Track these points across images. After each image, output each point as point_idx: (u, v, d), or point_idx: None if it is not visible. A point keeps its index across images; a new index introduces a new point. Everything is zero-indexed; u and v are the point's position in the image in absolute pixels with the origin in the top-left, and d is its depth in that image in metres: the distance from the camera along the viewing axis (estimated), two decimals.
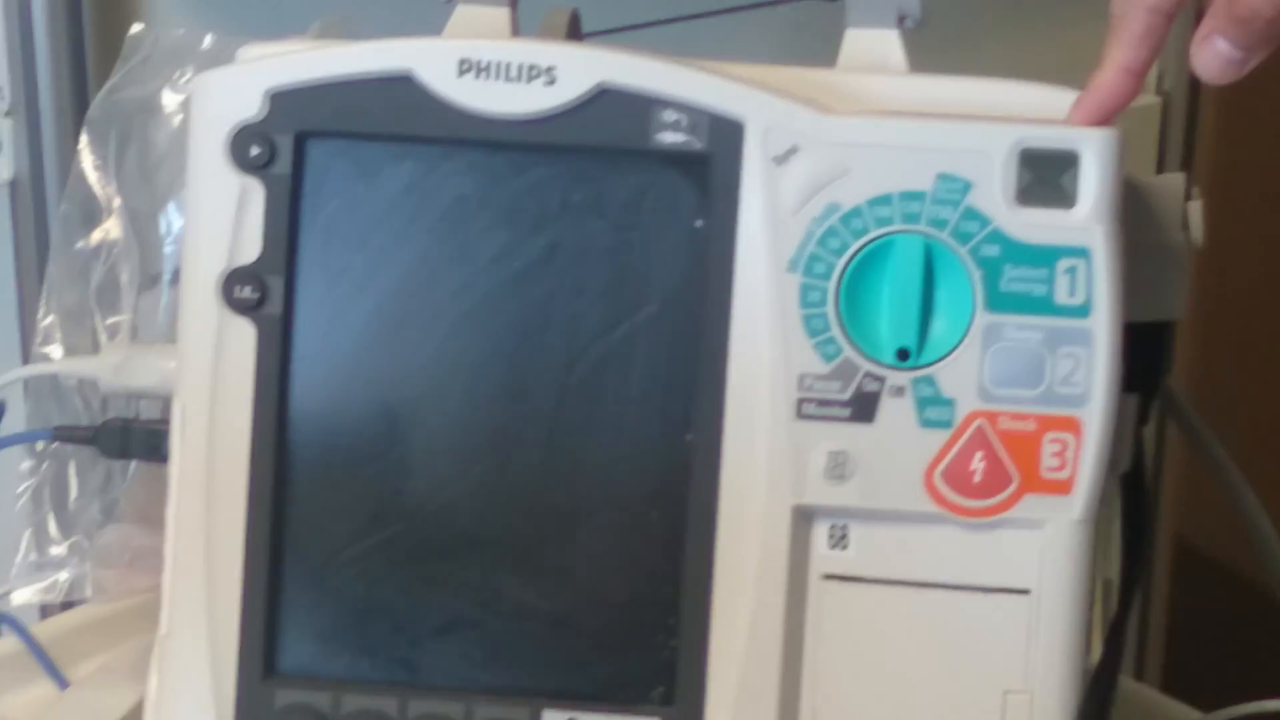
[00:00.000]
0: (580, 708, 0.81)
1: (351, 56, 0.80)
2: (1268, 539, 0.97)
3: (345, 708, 0.81)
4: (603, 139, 0.79)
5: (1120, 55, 0.74)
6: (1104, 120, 0.77)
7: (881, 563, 0.80)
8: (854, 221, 0.78)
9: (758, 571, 0.79)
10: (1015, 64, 0.81)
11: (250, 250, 0.81)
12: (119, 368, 0.86)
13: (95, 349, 0.93)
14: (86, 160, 0.95)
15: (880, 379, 0.78)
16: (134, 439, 0.87)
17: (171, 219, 0.95)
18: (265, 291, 0.81)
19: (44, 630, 0.95)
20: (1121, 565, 0.90)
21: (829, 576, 0.80)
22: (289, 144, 0.80)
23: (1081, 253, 0.77)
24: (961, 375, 0.78)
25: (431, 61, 0.79)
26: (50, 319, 0.95)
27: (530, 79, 0.79)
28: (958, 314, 0.78)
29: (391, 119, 0.80)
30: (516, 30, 0.85)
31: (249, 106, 0.80)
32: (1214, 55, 0.72)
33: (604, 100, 0.79)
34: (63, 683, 0.95)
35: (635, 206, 0.80)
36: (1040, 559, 0.79)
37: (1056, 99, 0.79)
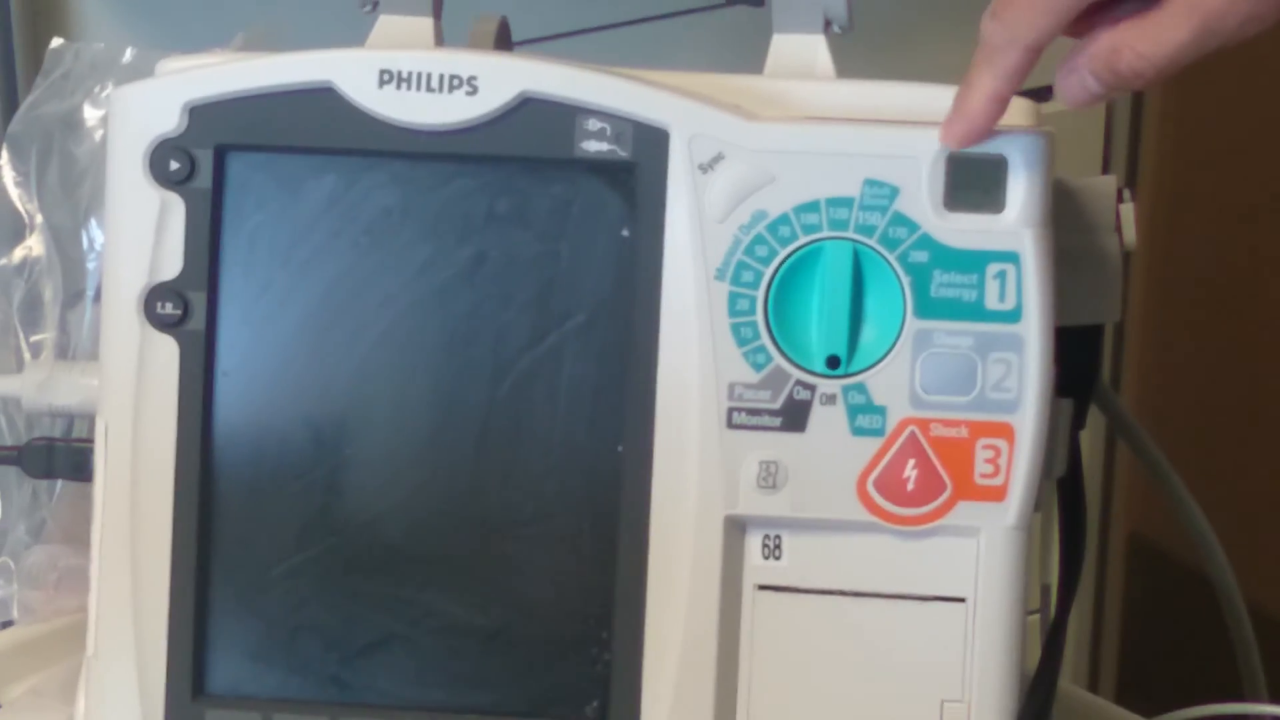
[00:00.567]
0: None
1: (271, 68, 0.79)
2: (1210, 542, 0.97)
3: None
4: (526, 149, 0.78)
5: (993, 86, 0.75)
6: (972, 144, 0.77)
7: (815, 572, 0.79)
8: (781, 229, 0.77)
9: (690, 583, 0.79)
10: (946, 67, 0.81)
11: (172, 266, 0.80)
12: (42, 386, 0.85)
13: (19, 367, 0.92)
14: (7, 176, 0.94)
15: (811, 387, 0.78)
16: (59, 458, 0.86)
17: (94, 234, 0.94)
18: (187, 308, 0.80)
19: None
20: (1060, 570, 0.89)
21: (763, 587, 0.79)
22: (209, 158, 0.79)
23: (1011, 257, 0.77)
24: (893, 382, 0.78)
25: (352, 72, 0.79)
26: None
27: (451, 89, 0.78)
28: (888, 321, 0.78)
29: (312, 131, 0.79)
30: (440, 40, 0.84)
31: (168, 120, 0.79)
32: (1081, 89, 0.73)
33: (527, 109, 0.78)
34: None
35: (561, 216, 0.79)
36: (975, 566, 0.78)
37: None
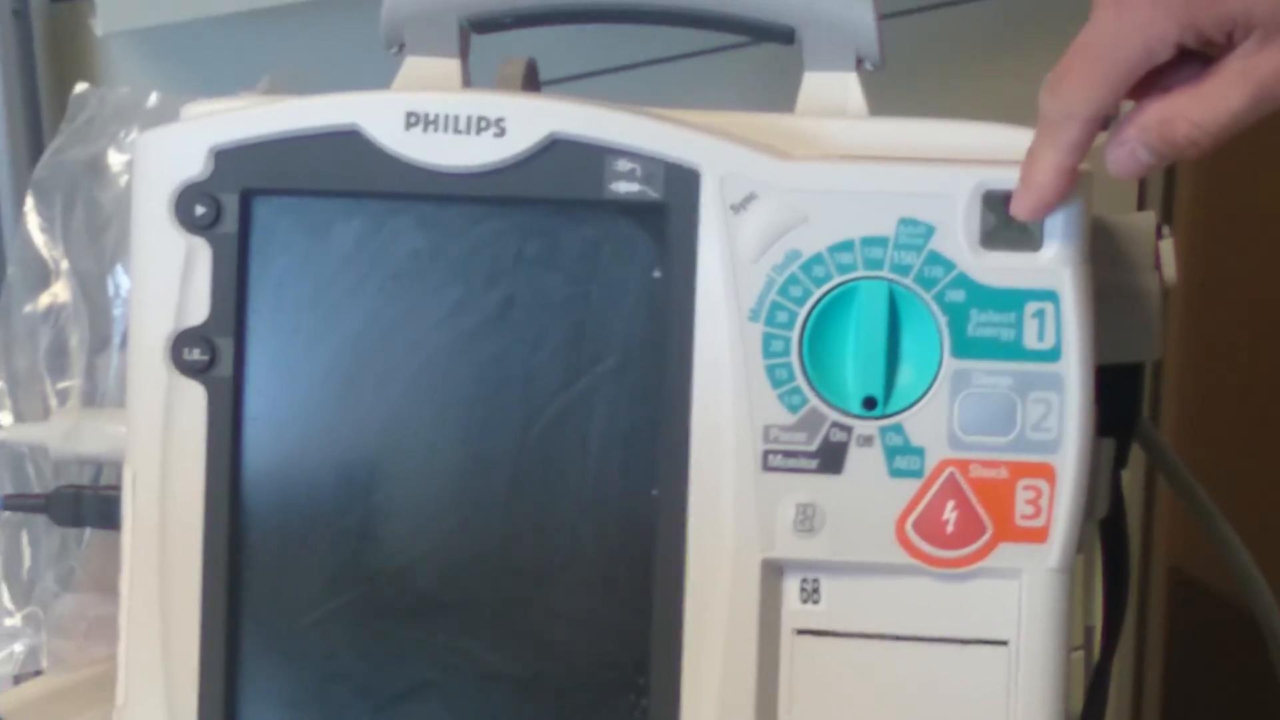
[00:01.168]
0: None
1: (296, 112, 0.79)
2: (1255, 581, 0.95)
3: None
4: (556, 190, 0.78)
5: (1057, 159, 0.74)
6: (1043, 217, 0.76)
7: (855, 616, 0.78)
8: (815, 269, 0.77)
9: (728, 628, 0.78)
10: (979, 104, 0.80)
11: (198, 312, 0.79)
12: (69, 434, 0.85)
13: (46, 415, 0.91)
14: (33, 223, 0.94)
15: (847, 429, 0.77)
16: (86, 506, 0.85)
17: (120, 280, 0.93)
18: (215, 353, 0.79)
19: (2, 703, 0.94)
20: (1103, 612, 0.88)
21: (801, 631, 0.78)
22: (235, 202, 0.79)
23: (1049, 296, 0.76)
24: (930, 423, 0.77)
25: (378, 115, 0.78)
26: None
27: (479, 131, 0.77)
28: (925, 361, 0.77)
29: (339, 174, 0.78)
30: (468, 81, 0.84)
31: (193, 165, 0.79)
32: (1133, 162, 0.72)
33: (556, 151, 0.77)
34: None
35: (591, 258, 0.78)
36: (1017, 609, 0.77)
37: (1020, 140, 0.77)
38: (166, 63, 1.20)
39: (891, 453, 0.77)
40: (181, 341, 0.79)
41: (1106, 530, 0.87)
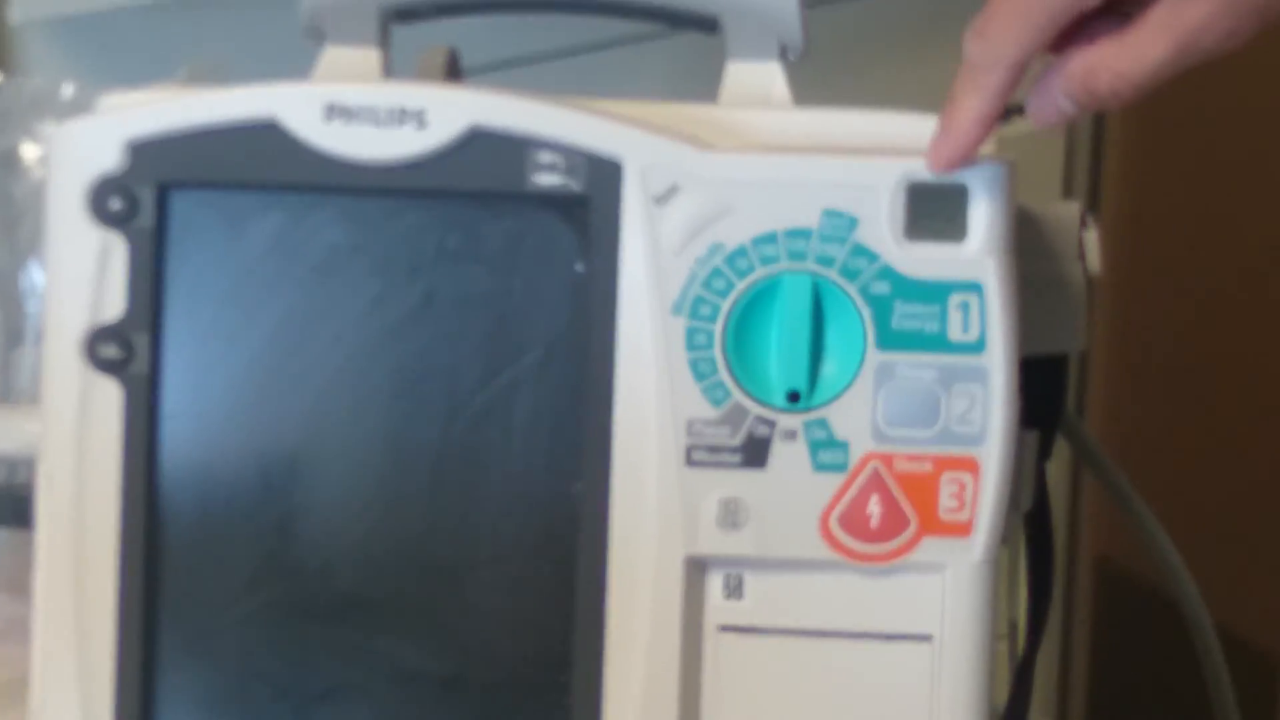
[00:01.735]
0: None
1: (213, 103, 0.78)
2: (1179, 571, 0.96)
3: None
4: (477, 183, 0.77)
5: (978, 106, 0.73)
6: (959, 166, 0.75)
7: (778, 612, 0.78)
8: (739, 261, 0.76)
9: (651, 624, 0.77)
10: (903, 94, 0.80)
11: (114, 307, 0.78)
12: None
13: None
14: None
15: (771, 423, 0.76)
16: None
17: (34, 276, 0.92)
18: (131, 350, 0.78)
19: None
20: (1028, 605, 0.88)
21: (725, 628, 0.78)
22: (151, 196, 0.78)
23: (974, 287, 0.76)
24: (854, 416, 0.76)
25: (296, 107, 0.77)
26: None
27: (400, 123, 0.77)
28: (848, 354, 0.76)
29: (257, 167, 0.77)
30: (388, 71, 0.83)
31: (108, 158, 0.78)
32: (1055, 110, 0.72)
33: (477, 143, 0.76)
34: None
35: (513, 251, 0.77)
36: (941, 603, 0.77)
37: None
38: (83, 52, 1.19)
39: (815, 447, 0.76)
40: (97, 338, 0.78)
41: (1031, 523, 0.86)
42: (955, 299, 0.76)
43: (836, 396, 0.76)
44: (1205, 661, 0.97)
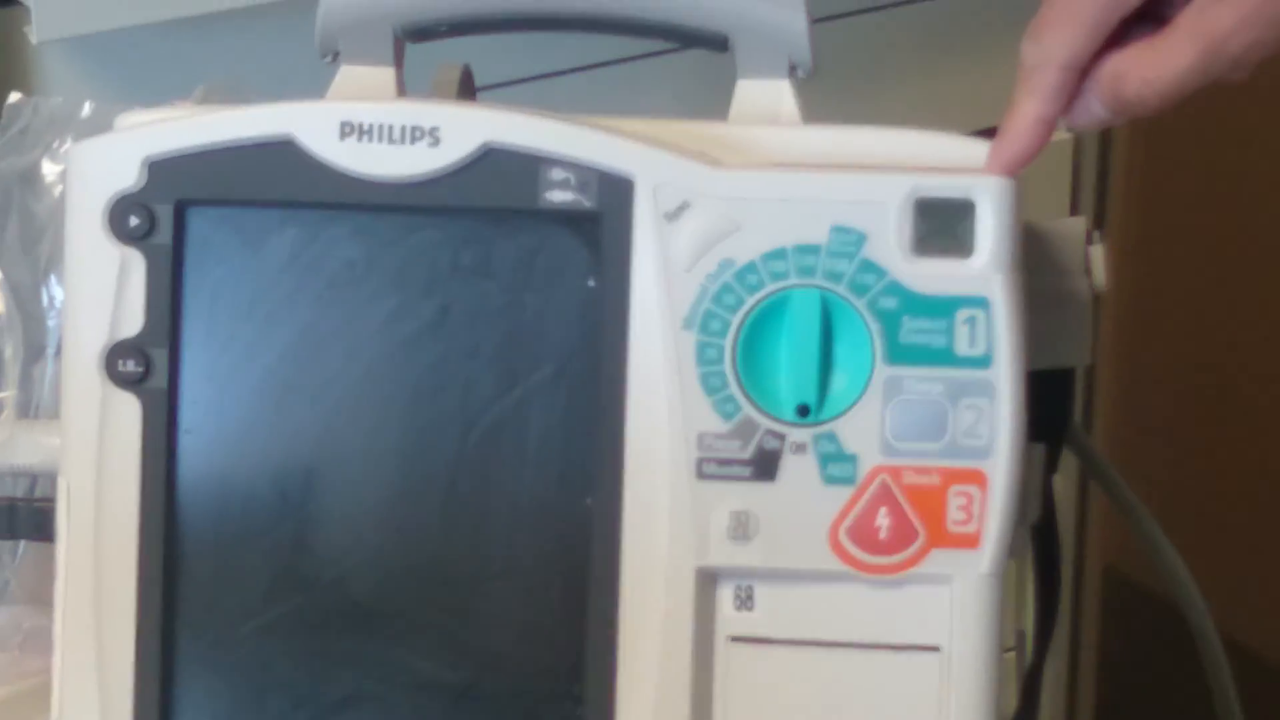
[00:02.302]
0: None
1: (231, 122, 0.78)
2: (1186, 583, 0.96)
3: None
4: (490, 199, 0.78)
5: (1035, 108, 0.74)
6: (1020, 169, 0.76)
7: (788, 623, 0.78)
8: (749, 277, 0.77)
9: (662, 635, 0.78)
10: (912, 111, 0.80)
11: (133, 323, 0.79)
12: (2, 445, 0.85)
13: None
14: None
15: (781, 436, 0.77)
16: (20, 518, 0.85)
17: (54, 291, 0.93)
18: (149, 365, 0.79)
19: None
20: (1035, 617, 0.88)
21: (735, 638, 0.78)
22: (169, 213, 0.78)
23: (981, 302, 0.76)
24: (863, 430, 0.77)
25: (312, 125, 0.78)
26: None
27: (414, 140, 0.77)
28: (857, 368, 0.77)
29: (274, 185, 0.78)
30: (403, 89, 0.83)
31: (127, 175, 0.79)
32: (1086, 114, 0.74)
33: (490, 160, 0.77)
34: None
35: (526, 267, 0.78)
36: (949, 615, 0.78)
37: (952, 146, 0.78)
38: (102, 71, 1.19)
39: (825, 460, 0.77)
40: (116, 353, 0.79)
41: (1038, 535, 0.87)
42: (962, 314, 0.76)
43: (845, 410, 0.77)
44: (1211, 672, 0.98)
